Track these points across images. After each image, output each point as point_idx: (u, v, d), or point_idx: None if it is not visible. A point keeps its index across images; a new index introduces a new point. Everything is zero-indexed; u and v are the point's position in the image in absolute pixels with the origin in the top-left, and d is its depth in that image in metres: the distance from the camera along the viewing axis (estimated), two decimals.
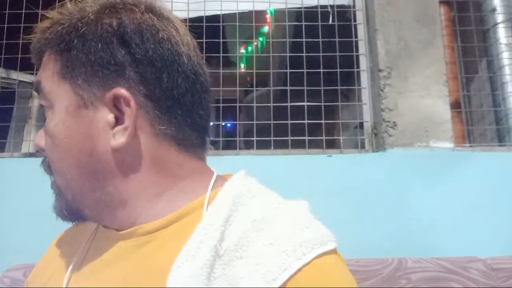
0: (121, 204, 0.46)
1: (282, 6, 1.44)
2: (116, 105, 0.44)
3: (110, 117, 0.44)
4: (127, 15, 0.46)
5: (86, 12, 0.46)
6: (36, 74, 0.54)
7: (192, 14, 1.40)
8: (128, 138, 0.44)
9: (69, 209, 0.48)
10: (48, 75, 0.47)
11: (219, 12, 1.41)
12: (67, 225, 0.60)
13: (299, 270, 0.37)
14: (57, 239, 0.60)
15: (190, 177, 0.48)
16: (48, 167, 0.49)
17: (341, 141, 1.32)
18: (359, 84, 1.39)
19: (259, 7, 1.43)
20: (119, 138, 0.44)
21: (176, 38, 0.47)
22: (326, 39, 1.37)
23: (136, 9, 0.46)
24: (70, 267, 0.49)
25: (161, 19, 0.47)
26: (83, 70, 0.44)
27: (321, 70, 1.37)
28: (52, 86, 0.46)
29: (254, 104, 1.39)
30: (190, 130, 0.48)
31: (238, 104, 1.41)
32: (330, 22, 1.40)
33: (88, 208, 0.47)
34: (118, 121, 0.45)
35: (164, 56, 0.46)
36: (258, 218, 0.42)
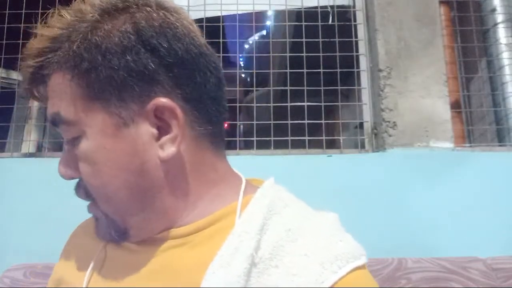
0: (162, 216, 0.45)
1: (282, 7, 1.44)
2: (157, 115, 0.42)
3: (153, 129, 0.42)
4: (144, 17, 0.42)
5: (96, 23, 0.41)
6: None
7: (193, 16, 1.40)
8: (178, 147, 0.42)
9: (119, 232, 0.45)
10: (69, 103, 0.42)
11: (219, 14, 1.41)
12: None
13: (335, 283, 0.38)
14: (74, 234, 0.57)
15: (223, 182, 0.47)
16: (85, 193, 0.45)
17: (341, 141, 1.32)
18: (359, 84, 1.39)
19: (259, 8, 1.43)
20: (168, 149, 0.42)
21: (193, 31, 0.45)
22: (326, 39, 1.37)
23: (149, 9, 0.43)
24: (91, 265, 0.47)
25: (172, 13, 0.44)
26: (115, 87, 0.41)
27: (321, 70, 1.37)
28: (78, 113, 0.41)
29: (254, 104, 1.39)
30: (219, 124, 0.47)
31: (238, 104, 1.41)
32: (330, 22, 1.40)
33: (134, 228, 0.45)
34: (160, 131, 0.42)
35: (191, 53, 0.43)
36: (292, 228, 0.42)
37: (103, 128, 0.41)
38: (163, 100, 0.41)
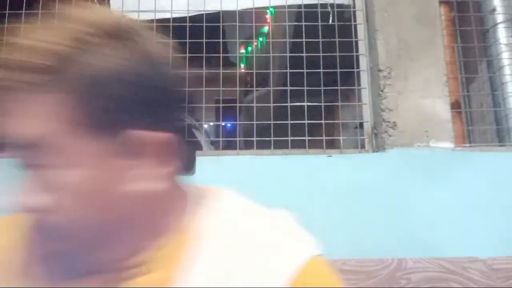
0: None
1: (283, 3, 1.43)
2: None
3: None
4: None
5: (96, 46, 0.37)
6: None
7: (192, 12, 1.40)
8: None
9: (81, 264, 0.44)
10: (58, 127, 0.37)
11: (219, 9, 1.40)
12: None
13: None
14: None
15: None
16: (49, 231, 0.42)
17: (341, 141, 1.32)
18: (359, 84, 1.39)
19: (259, 4, 1.43)
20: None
21: None
22: (326, 39, 1.37)
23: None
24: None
25: None
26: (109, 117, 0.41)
27: (321, 70, 1.37)
28: (68, 139, 0.37)
29: (254, 104, 1.39)
30: None
31: (238, 104, 1.41)
32: (330, 22, 1.40)
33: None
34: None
35: None
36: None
37: (92, 157, 0.38)
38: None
